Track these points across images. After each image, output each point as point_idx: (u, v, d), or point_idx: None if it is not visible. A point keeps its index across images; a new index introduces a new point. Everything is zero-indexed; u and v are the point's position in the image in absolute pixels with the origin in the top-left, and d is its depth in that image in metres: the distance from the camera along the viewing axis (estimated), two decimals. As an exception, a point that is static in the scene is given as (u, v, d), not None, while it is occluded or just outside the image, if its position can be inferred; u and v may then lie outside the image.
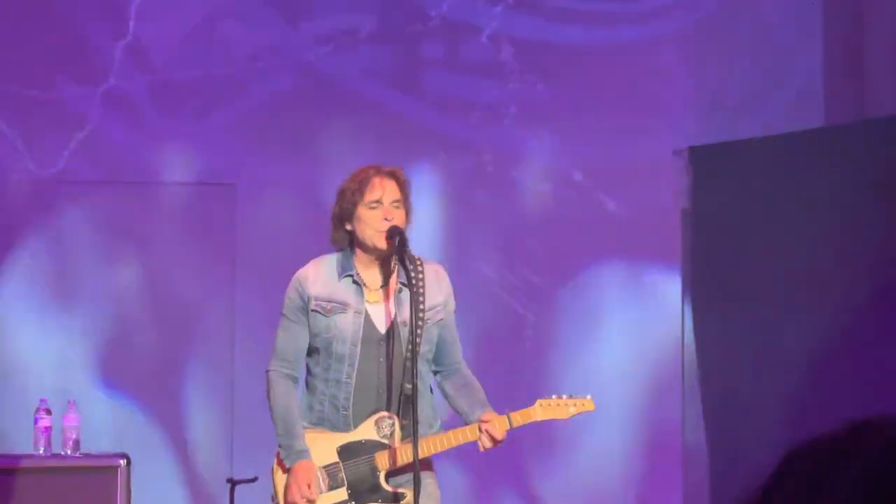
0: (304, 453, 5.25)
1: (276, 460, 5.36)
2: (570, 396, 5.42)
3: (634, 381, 8.66)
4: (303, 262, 5.48)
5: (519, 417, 5.31)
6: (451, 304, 5.46)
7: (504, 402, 5.50)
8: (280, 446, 5.31)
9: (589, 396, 5.44)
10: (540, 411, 5.37)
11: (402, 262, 5.17)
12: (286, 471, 5.28)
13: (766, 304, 8.14)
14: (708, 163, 8.64)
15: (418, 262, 5.34)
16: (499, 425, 5.22)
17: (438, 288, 5.37)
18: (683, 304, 8.69)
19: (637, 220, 8.72)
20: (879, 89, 8.51)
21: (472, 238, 8.62)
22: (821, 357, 7.74)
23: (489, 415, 5.25)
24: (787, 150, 8.26)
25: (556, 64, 8.73)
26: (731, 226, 8.41)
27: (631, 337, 8.73)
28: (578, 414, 5.43)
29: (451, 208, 8.59)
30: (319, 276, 5.34)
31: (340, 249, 5.36)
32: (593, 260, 8.77)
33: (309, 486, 5.21)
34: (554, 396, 5.40)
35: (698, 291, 8.62)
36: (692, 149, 8.72)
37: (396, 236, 5.19)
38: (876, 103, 8.46)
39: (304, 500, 5.22)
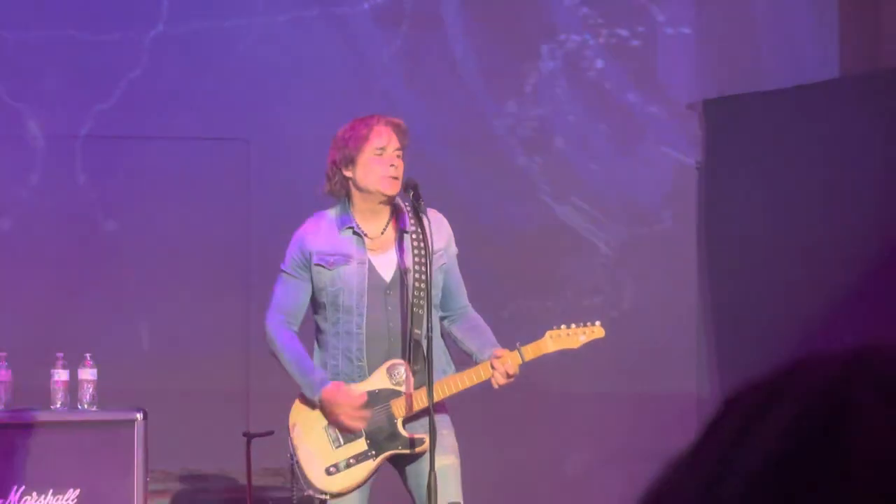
0: (325, 380, 5.24)
1: (291, 415, 5.35)
2: (580, 325, 5.42)
3: (649, 332, 8.66)
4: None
5: (530, 350, 5.31)
6: (453, 249, 5.47)
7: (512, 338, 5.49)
8: (301, 387, 5.31)
9: (598, 323, 5.43)
10: (551, 342, 5.37)
11: (416, 213, 5.18)
12: (316, 406, 5.25)
13: (781, 255, 8.14)
14: (722, 116, 8.62)
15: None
16: (511, 360, 5.23)
17: (439, 233, 5.37)
18: (699, 257, 8.69)
19: (651, 177, 8.72)
20: (894, 39, 8.47)
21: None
22: (834, 308, 7.74)
23: (501, 351, 5.26)
24: (801, 103, 8.23)
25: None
26: (745, 178, 8.40)
27: (647, 288, 8.73)
28: (589, 342, 5.43)
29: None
30: (320, 230, 5.34)
31: (338, 200, 5.36)
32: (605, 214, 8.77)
33: (352, 396, 5.21)
34: (563, 326, 5.40)
35: (713, 245, 8.62)
36: (706, 102, 8.70)
37: (411, 189, 5.20)
38: (891, 53, 8.42)
39: (354, 414, 5.22)
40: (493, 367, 5.24)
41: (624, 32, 8.80)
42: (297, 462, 5.32)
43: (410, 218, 5.30)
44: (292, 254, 5.36)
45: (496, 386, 5.26)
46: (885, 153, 7.69)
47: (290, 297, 5.37)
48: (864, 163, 7.80)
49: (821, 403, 1.06)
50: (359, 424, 5.25)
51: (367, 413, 5.23)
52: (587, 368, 8.10)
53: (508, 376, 5.24)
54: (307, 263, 5.31)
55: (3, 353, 6.39)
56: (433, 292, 5.29)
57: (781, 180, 8.19)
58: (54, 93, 8.27)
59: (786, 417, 1.04)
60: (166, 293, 8.39)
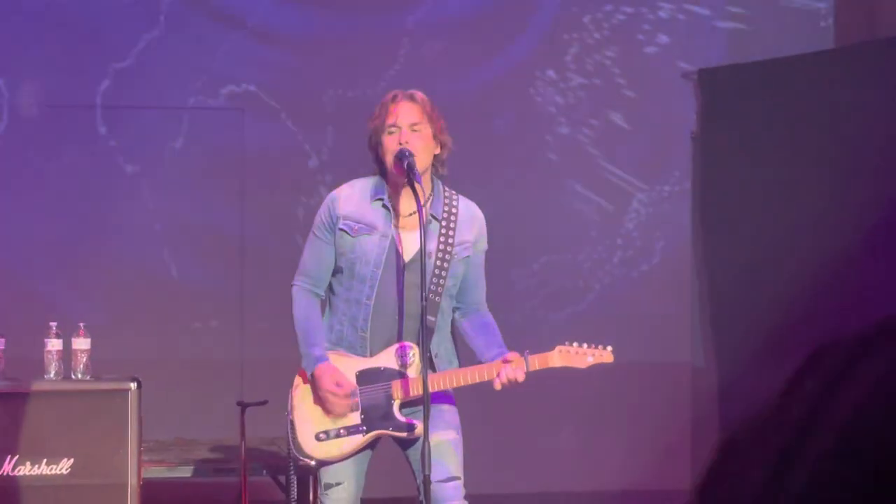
0: (322, 357, 5.24)
1: (297, 375, 5.36)
2: (590, 346, 5.38)
3: (644, 302, 8.68)
4: (307, 188, 5.49)
5: (537, 361, 5.27)
6: (482, 245, 5.42)
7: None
8: (302, 356, 5.31)
9: (609, 348, 5.39)
10: (558, 358, 5.33)
11: (411, 185, 5.12)
12: (306, 382, 5.28)
13: (775, 225, 8.14)
14: (717, 85, 8.61)
15: (454, 197, 5.33)
16: (520, 367, 5.20)
17: (470, 225, 5.34)
18: (693, 224, 8.69)
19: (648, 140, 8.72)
20: (890, 10, 8.45)
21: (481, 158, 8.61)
22: (827, 274, 7.74)
23: (512, 355, 5.22)
24: (796, 72, 8.22)
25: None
26: (741, 148, 8.40)
27: (641, 258, 8.73)
28: (596, 364, 5.40)
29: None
30: (353, 196, 5.32)
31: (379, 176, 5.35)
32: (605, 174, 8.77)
33: (339, 385, 5.21)
34: (574, 345, 5.35)
35: (708, 212, 8.62)
36: (701, 71, 8.69)
37: (405, 160, 5.15)
38: (887, 25, 8.40)
39: (338, 398, 5.22)
40: (499, 369, 5.20)
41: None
42: (291, 421, 5.33)
43: (445, 205, 5.27)
44: (321, 215, 5.35)
45: (498, 387, 5.23)
46: (881, 123, 7.68)
47: (314, 259, 5.37)
48: (861, 133, 7.79)
49: None
50: (339, 411, 5.25)
51: (349, 402, 5.23)
52: (583, 339, 8.11)
53: (513, 381, 5.21)
54: (333, 226, 5.30)
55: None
56: (449, 282, 5.28)
57: (778, 150, 8.18)
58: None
59: (875, 372, 1.05)
60: (161, 263, 8.39)
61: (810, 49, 8.40)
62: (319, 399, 5.27)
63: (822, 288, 7.73)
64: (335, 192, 5.38)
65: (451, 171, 5.32)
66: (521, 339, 5.49)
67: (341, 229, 5.28)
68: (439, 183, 5.36)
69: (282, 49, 8.58)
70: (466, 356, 5.38)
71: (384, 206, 5.28)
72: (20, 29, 8.30)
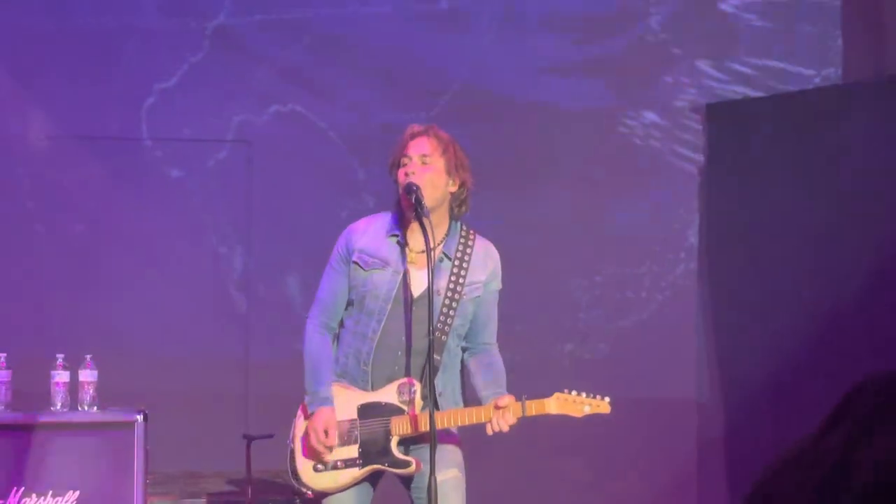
0: (326, 400, 5.25)
1: (300, 407, 5.38)
2: (588, 395, 5.36)
3: (650, 336, 8.66)
4: (316, 217, 5.51)
5: (533, 407, 5.24)
6: (495, 285, 5.41)
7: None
8: (306, 392, 5.32)
9: (606, 399, 5.37)
10: (555, 405, 5.30)
11: (419, 219, 5.12)
12: (307, 417, 5.30)
13: (781, 260, 8.13)
14: (724, 120, 8.61)
15: (471, 236, 5.34)
16: (513, 412, 5.17)
17: (484, 265, 5.35)
18: (699, 258, 8.68)
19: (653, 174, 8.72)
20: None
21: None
22: (836, 310, 7.73)
23: (506, 399, 5.18)
24: (803, 108, 8.23)
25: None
26: (747, 182, 8.40)
27: (648, 293, 8.72)
28: (592, 414, 5.37)
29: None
30: (369, 230, 5.34)
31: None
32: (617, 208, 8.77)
33: (327, 433, 5.22)
34: (573, 393, 5.33)
35: (713, 247, 8.61)
36: (709, 106, 8.70)
37: (412, 194, 5.15)
38: (895, 61, 8.41)
39: (321, 445, 5.23)
40: (492, 413, 5.18)
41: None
42: (292, 450, 5.36)
43: (460, 244, 5.28)
44: (338, 248, 5.38)
45: (490, 432, 5.19)
46: (890, 160, 7.68)
47: (329, 291, 5.39)
48: (869, 170, 7.78)
49: None
50: (316, 451, 5.26)
51: (326, 452, 5.25)
52: (587, 374, 8.10)
53: (504, 427, 5.19)
54: (348, 258, 5.32)
55: (3, 354, 6.38)
56: (458, 321, 5.29)
57: (783, 185, 8.18)
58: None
59: None
60: (167, 295, 8.38)
61: (817, 84, 8.41)
62: (307, 435, 5.29)
63: (830, 324, 7.72)
64: (352, 225, 5.42)
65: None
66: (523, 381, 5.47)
67: (354, 262, 5.30)
68: (458, 223, 5.37)
69: (331, 71, 8.59)
70: (472, 396, 5.38)
71: (398, 241, 5.29)
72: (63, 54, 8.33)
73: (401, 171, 5.24)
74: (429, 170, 5.24)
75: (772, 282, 8.17)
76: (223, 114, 8.50)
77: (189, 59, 8.45)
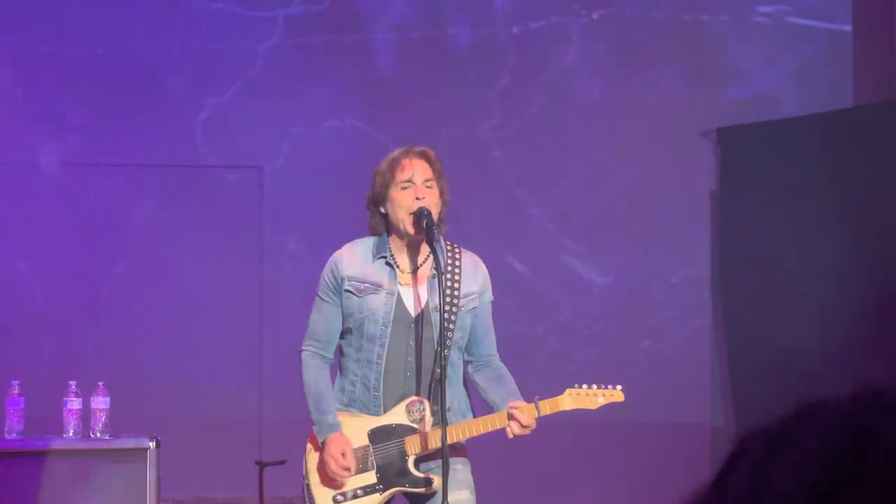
0: (335, 426, 5.25)
1: (309, 441, 5.37)
2: (600, 387, 5.36)
3: (664, 361, 8.65)
4: (330, 242, 5.51)
5: (547, 406, 5.25)
6: (488, 296, 5.43)
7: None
8: (313, 423, 5.31)
9: (619, 387, 5.38)
10: (568, 400, 5.31)
11: (430, 243, 5.14)
12: (318, 448, 5.29)
13: (795, 283, 8.12)
14: (736, 143, 8.61)
15: (456, 250, 5.34)
16: (527, 412, 5.18)
17: (475, 277, 5.36)
18: (713, 280, 8.67)
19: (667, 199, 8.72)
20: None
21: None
22: (853, 333, 7.72)
23: (518, 402, 5.21)
24: (816, 131, 8.22)
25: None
26: (760, 206, 8.39)
27: (658, 318, 8.71)
28: (607, 404, 5.38)
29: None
30: (355, 257, 5.34)
31: (378, 235, 5.35)
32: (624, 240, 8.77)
33: (344, 456, 5.21)
34: (584, 386, 5.34)
35: (727, 269, 8.60)
36: (720, 130, 8.70)
37: (424, 218, 5.17)
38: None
39: (342, 469, 5.22)
40: (508, 418, 5.20)
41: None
42: (308, 486, 5.34)
43: (448, 258, 5.29)
44: (325, 278, 5.37)
45: (510, 436, 5.20)
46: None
47: (321, 323, 5.38)
48: (883, 192, 7.77)
49: (840, 433, 1.11)
50: (335, 477, 5.26)
51: (346, 474, 5.24)
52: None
53: (523, 427, 5.19)
54: (338, 288, 5.31)
55: (17, 381, 6.39)
56: (458, 335, 5.29)
57: (796, 209, 8.17)
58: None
59: (807, 450, 1.08)
60: (180, 321, 8.39)
61: (829, 108, 8.41)
62: (323, 463, 5.28)
63: (845, 346, 7.71)
64: (336, 255, 5.39)
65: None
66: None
67: (347, 290, 5.30)
68: (440, 237, 5.39)
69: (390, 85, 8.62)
70: (481, 406, 5.38)
71: (388, 263, 5.30)
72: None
73: (403, 194, 5.25)
74: (432, 194, 5.27)
75: (786, 303, 8.15)
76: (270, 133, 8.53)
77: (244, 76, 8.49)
